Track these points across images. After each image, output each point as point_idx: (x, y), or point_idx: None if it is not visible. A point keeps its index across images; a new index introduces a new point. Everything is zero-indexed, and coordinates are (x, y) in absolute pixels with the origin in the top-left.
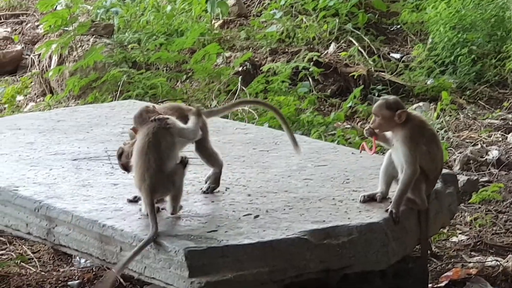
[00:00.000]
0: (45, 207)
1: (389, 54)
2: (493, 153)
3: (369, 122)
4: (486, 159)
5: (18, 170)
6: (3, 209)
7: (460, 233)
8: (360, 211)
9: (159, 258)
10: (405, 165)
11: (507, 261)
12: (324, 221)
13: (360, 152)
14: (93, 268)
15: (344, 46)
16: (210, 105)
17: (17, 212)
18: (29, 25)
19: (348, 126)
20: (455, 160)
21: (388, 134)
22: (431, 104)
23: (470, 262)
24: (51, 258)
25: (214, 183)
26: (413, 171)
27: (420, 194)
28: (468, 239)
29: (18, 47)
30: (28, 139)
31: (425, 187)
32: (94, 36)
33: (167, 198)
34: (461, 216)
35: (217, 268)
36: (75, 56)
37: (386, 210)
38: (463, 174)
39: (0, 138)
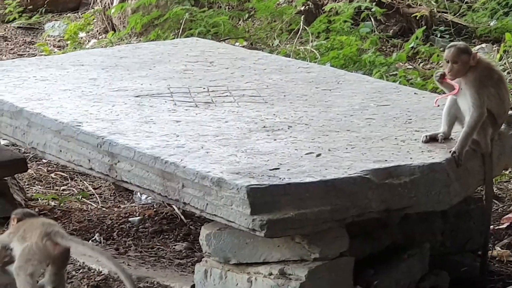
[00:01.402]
0: (107, 143)
1: None
2: None
3: (430, 63)
4: None
5: (81, 106)
6: (66, 144)
7: None
8: (422, 151)
9: (221, 195)
10: (472, 108)
11: None
12: (386, 160)
13: (437, 106)
14: (154, 205)
15: None
16: (272, 44)
17: (80, 148)
18: None
19: (410, 67)
20: None
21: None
22: (494, 46)
23: None
24: (112, 194)
25: None
26: (480, 114)
27: (485, 137)
28: None
29: None
30: (91, 75)
31: (491, 131)
32: None
33: None
34: None
35: (278, 206)
36: None
37: (450, 152)
38: None
39: (63, 74)
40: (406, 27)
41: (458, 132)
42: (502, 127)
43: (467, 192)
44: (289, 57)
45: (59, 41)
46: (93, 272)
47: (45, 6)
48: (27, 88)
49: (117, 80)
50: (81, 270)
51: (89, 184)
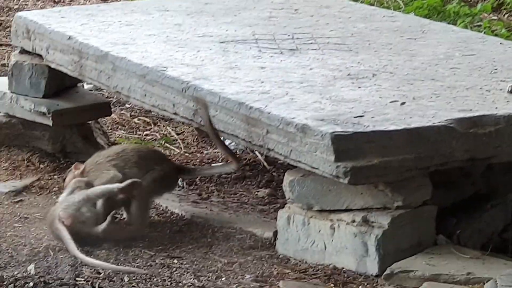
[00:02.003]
0: (192, 88)
1: None
2: None
3: None
4: None
5: (166, 51)
6: (151, 89)
7: None
8: (507, 101)
9: (306, 141)
10: None
11: None
12: (471, 110)
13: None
14: (237, 151)
15: None
16: None
17: (164, 93)
18: None
19: (495, 17)
20: None
21: None
22: None
23: None
24: (194, 140)
25: None
26: None
27: None
28: None
29: None
30: (176, 21)
31: None
32: None
33: None
34: None
35: (362, 154)
36: None
37: None
38: None
39: (148, 19)
40: None
41: None
42: None
43: None
44: (374, 5)
45: None
46: (176, 216)
47: None
48: (112, 33)
49: (202, 26)
50: (163, 215)
51: (172, 130)
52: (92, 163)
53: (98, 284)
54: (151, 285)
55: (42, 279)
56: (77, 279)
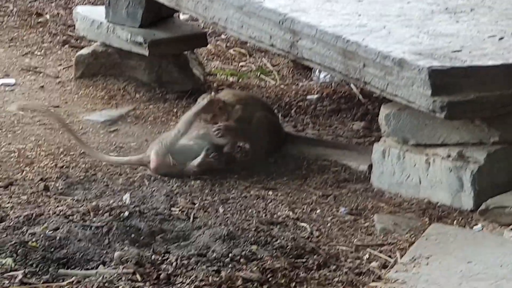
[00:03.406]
0: (289, 20)
1: None
2: None
3: None
4: None
5: None
6: (248, 20)
7: None
8: None
9: (403, 75)
10: None
11: None
12: None
13: None
14: (332, 84)
15: None
16: None
17: (261, 24)
18: None
19: None
20: None
21: None
22: None
23: None
24: (290, 72)
25: None
26: None
27: None
28: None
29: None
30: None
31: None
32: None
33: None
34: None
35: (459, 88)
36: None
37: None
38: None
39: None
40: None
41: None
42: None
43: None
44: None
45: None
46: None
47: None
48: None
49: None
50: None
51: (267, 61)
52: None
53: (193, 215)
54: (246, 216)
55: (137, 209)
56: (172, 209)
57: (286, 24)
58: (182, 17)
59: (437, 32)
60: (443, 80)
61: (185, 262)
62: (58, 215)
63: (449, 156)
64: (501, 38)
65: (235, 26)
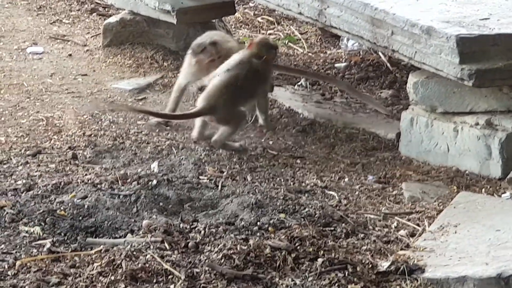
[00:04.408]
0: None
1: None
2: None
3: None
4: None
5: None
6: None
7: None
8: None
9: (430, 43)
10: None
11: None
12: None
13: None
14: (360, 52)
15: None
16: None
17: None
18: None
19: None
20: None
21: None
22: None
23: None
24: (318, 40)
25: None
26: None
27: None
28: None
29: None
30: None
31: None
32: None
33: None
34: None
35: (487, 56)
36: None
37: None
38: None
39: None
40: None
41: None
42: None
43: None
44: None
45: None
46: (299, 116)
47: None
48: None
49: None
50: (287, 114)
51: (296, 29)
52: None
53: (221, 183)
54: (274, 185)
55: (165, 177)
56: (200, 177)
57: None
58: None
59: (465, 0)
60: (471, 48)
61: (213, 230)
62: (86, 183)
63: (477, 124)
64: None
65: None
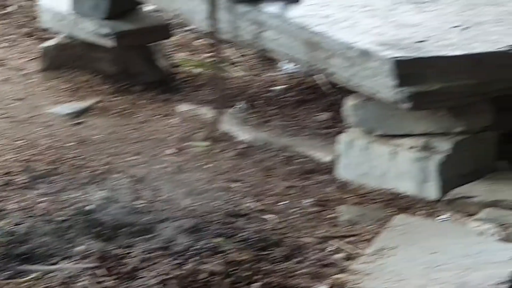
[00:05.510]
0: (254, 11)
1: None
2: None
3: None
4: None
5: None
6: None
7: None
8: None
9: (367, 66)
10: None
11: None
12: None
13: None
14: (299, 74)
15: None
16: None
17: (226, 16)
18: None
19: None
20: None
21: None
22: None
23: None
24: (257, 63)
25: None
26: None
27: None
28: None
29: None
30: None
31: None
32: None
33: None
34: None
35: (424, 79)
36: None
37: None
38: None
39: None
40: None
41: None
42: None
43: None
44: None
45: None
46: (237, 139)
47: None
48: None
49: None
50: (224, 138)
51: (234, 52)
52: None
53: (158, 207)
54: (211, 208)
55: (101, 202)
56: (136, 202)
57: (251, 15)
58: (147, 8)
59: (402, 22)
60: (407, 70)
61: (149, 255)
62: (20, 209)
63: (414, 146)
64: (465, 28)
65: (200, 17)
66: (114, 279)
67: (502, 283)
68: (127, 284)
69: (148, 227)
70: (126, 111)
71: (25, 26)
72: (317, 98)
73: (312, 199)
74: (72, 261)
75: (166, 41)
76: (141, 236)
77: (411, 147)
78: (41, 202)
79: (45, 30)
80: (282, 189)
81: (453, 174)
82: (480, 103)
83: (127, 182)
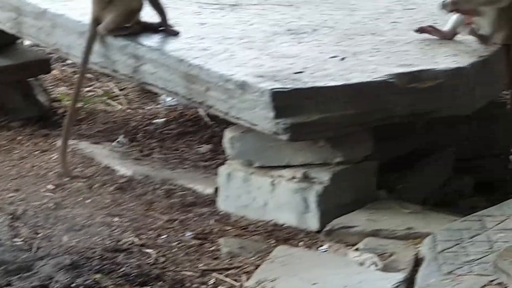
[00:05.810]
0: (132, 45)
1: None
2: None
3: None
4: None
5: None
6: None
7: None
8: (447, 56)
9: (245, 98)
10: None
11: None
12: (411, 64)
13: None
14: (179, 107)
15: None
16: None
17: (104, 50)
18: None
19: None
20: None
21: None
22: None
23: None
24: (137, 96)
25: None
26: None
27: None
28: None
29: None
30: None
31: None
32: None
33: None
34: None
35: (302, 110)
36: None
37: None
38: None
39: None
40: None
41: None
42: None
43: (492, 97)
44: None
45: None
46: (117, 174)
47: None
48: None
49: None
50: (104, 172)
51: (114, 86)
52: None
53: (37, 244)
54: (90, 244)
55: None
56: (14, 239)
57: (129, 49)
58: (26, 43)
59: (279, 53)
60: (285, 102)
61: None
62: None
63: (294, 177)
64: (342, 59)
65: (78, 52)
66: None
67: None
68: None
69: (26, 265)
70: (4, 148)
71: None
72: (198, 130)
73: (193, 232)
74: None
75: (45, 75)
76: (18, 274)
77: (291, 178)
78: None
79: None
80: (163, 223)
81: (333, 204)
82: (359, 133)
83: (5, 220)
